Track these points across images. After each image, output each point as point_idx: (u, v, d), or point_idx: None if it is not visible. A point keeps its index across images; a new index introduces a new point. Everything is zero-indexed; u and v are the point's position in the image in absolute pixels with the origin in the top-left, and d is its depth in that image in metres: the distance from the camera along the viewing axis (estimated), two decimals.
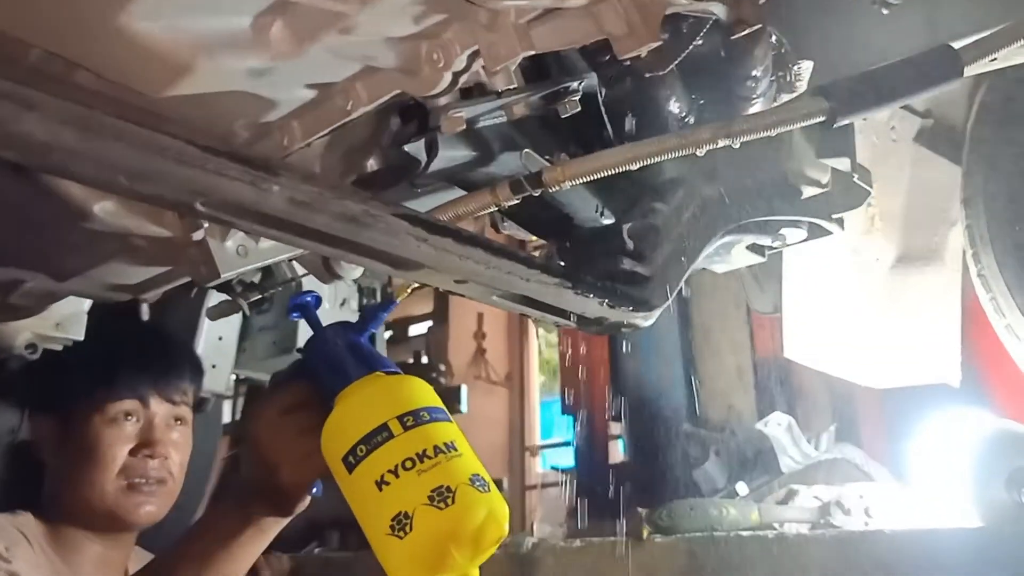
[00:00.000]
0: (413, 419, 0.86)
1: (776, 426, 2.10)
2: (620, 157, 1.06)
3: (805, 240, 1.51)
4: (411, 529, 0.79)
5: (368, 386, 0.91)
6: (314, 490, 1.00)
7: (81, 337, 1.60)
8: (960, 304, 1.91)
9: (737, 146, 1.05)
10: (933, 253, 1.92)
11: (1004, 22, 1.18)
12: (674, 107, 1.29)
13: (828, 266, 1.79)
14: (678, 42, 1.04)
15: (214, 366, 2.60)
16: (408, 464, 0.82)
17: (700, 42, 1.06)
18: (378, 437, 0.84)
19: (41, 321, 1.51)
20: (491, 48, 0.77)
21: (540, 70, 1.09)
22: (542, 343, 9.29)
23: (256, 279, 1.44)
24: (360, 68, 0.83)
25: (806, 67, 1.28)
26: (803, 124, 1.07)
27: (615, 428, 3.72)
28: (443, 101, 0.92)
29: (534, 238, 1.54)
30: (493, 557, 1.76)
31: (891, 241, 1.90)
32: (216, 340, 2.61)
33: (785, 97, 1.33)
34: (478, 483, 0.84)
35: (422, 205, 1.11)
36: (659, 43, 0.76)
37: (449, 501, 0.81)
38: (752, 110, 1.28)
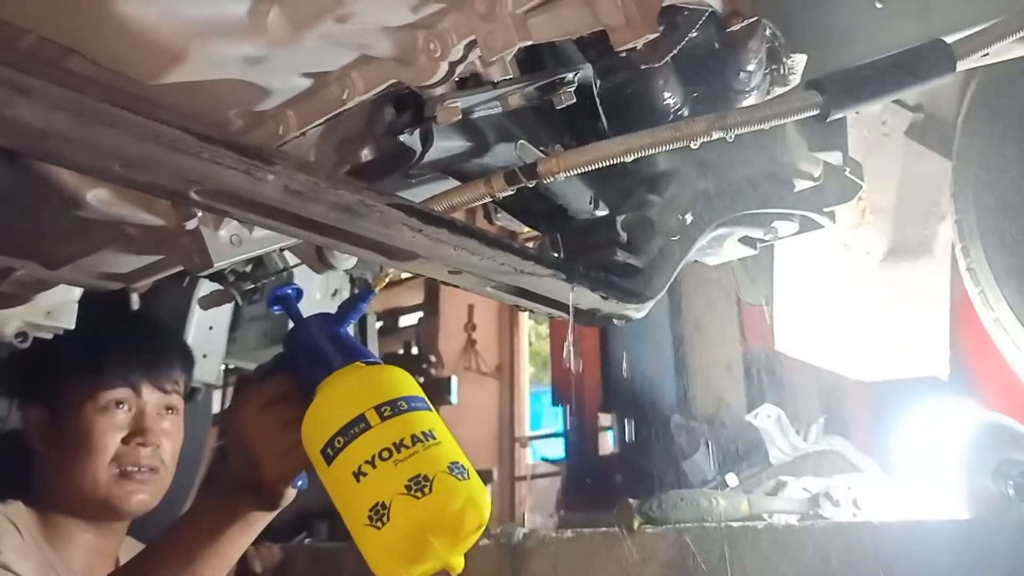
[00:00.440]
0: (391, 409, 0.86)
1: (766, 418, 2.12)
2: (615, 149, 1.06)
3: (797, 233, 1.52)
4: (388, 520, 0.79)
5: (347, 376, 0.91)
6: (299, 483, 1.00)
7: (72, 326, 1.59)
8: (949, 297, 1.92)
9: (731, 139, 1.06)
10: (923, 247, 1.93)
11: (997, 17, 1.19)
12: (668, 99, 1.29)
13: (819, 259, 1.80)
14: (673, 34, 1.04)
15: (205, 356, 2.59)
16: (385, 454, 0.82)
17: (695, 34, 1.06)
18: (355, 428, 0.84)
19: (31, 309, 1.50)
20: (488, 38, 0.77)
21: (535, 61, 1.09)
22: (532, 334, 9.31)
23: (248, 269, 1.44)
24: (356, 57, 0.83)
25: (800, 60, 1.28)
26: (797, 117, 1.07)
27: (605, 419, 3.74)
28: (439, 91, 0.91)
29: (527, 229, 1.54)
30: (484, 548, 1.77)
31: (881, 234, 1.91)
32: (207, 330, 2.61)
33: (778, 90, 1.33)
34: (457, 471, 0.83)
35: (415, 196, 1.10)
36: (656, 34, 0.76)
37: (426, 490, 0.80)
38: (746, 103, 1.29)
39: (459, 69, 0.83)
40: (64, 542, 1.48)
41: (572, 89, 1.07)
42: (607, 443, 3.83)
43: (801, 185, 1.50)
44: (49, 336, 1.61)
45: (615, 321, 1.26)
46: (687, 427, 2.65)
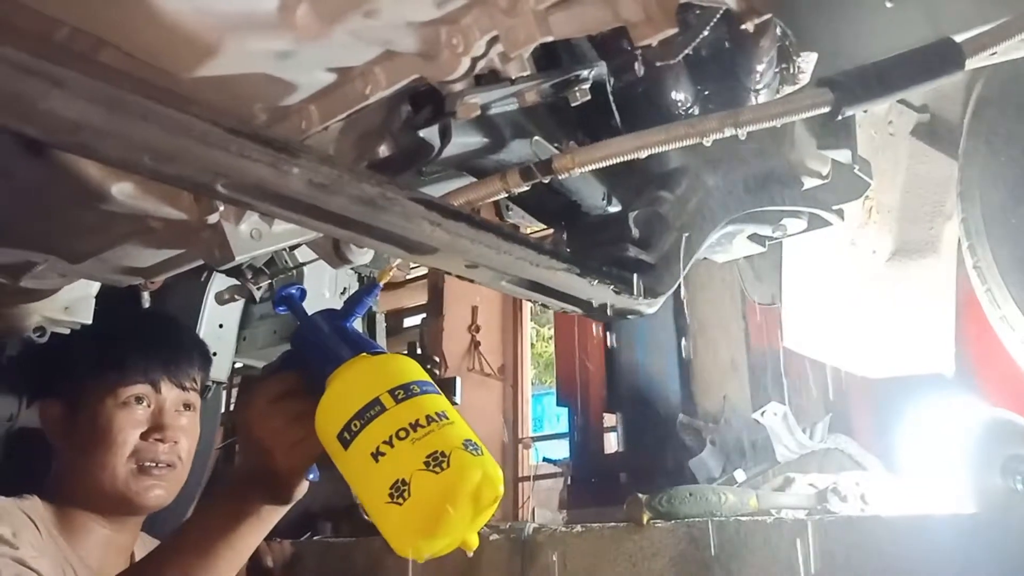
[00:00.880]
0: (404, 392, 0.88)
1: (772, 416, 2.13)
2: (629, 145, 1.08)
3: (806, 230, 1.53)
4: (409, 495, 0.81)
5: (358, 365, 0.93)
6: (310, 476, 1.02)
7: (89, 320, 1.61)
8: (955, 295, 1.94)
9: (743, 136, 1.07)
10: (929, 246, 1.95)
11: (1005, 16, 1.20)
12: (679, 97, 1.31)
13: (826, 258, 1.81)
14: (687, 32, 1.06)
15: (215, 354, 2.60)
16: (402, 434, 0.84)
17: (707, 32, 1.08)
18: (371, 411, 0.86)
19: (50, 304, 1.51)
20: (510, 33, 0.78)
21: (551, 58, 1.11)
22: (534, 336, 9.32)
23: (264, 265, 1.45)
24: (380, 52, 0.85)
25: (809, 59, 1.30)
26: (809, 114, 1.08)
27: (610, 419, 3.75)
28: (458, 87, 0.93)
29: (539, 225, 1.56)
30: (495, 543, 1.79)
31: (888, 233, 1.93)
32: (217, 328, 2.62)
33: (788, 88, 1.35)
34: (471, 447, 0.86)
35: (427, 192, 1.12)
36: (674, 30, 0.77)
37: (444, 465, 0.83)
38: (756, 101, 1.30)
39: (480, 64, 0.85)
40: (80, 537, 1.49)
41: (587, 86, 1.09)
42: (611, 442, 3.84)
43: (810, 183, 1.52)
44: (66, 331, 1.62)
45: (628, 316, 1.28)
46: (693, 426, 2.66)
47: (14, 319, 1.50)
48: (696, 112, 1.33)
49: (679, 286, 1.73)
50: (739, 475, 2.00)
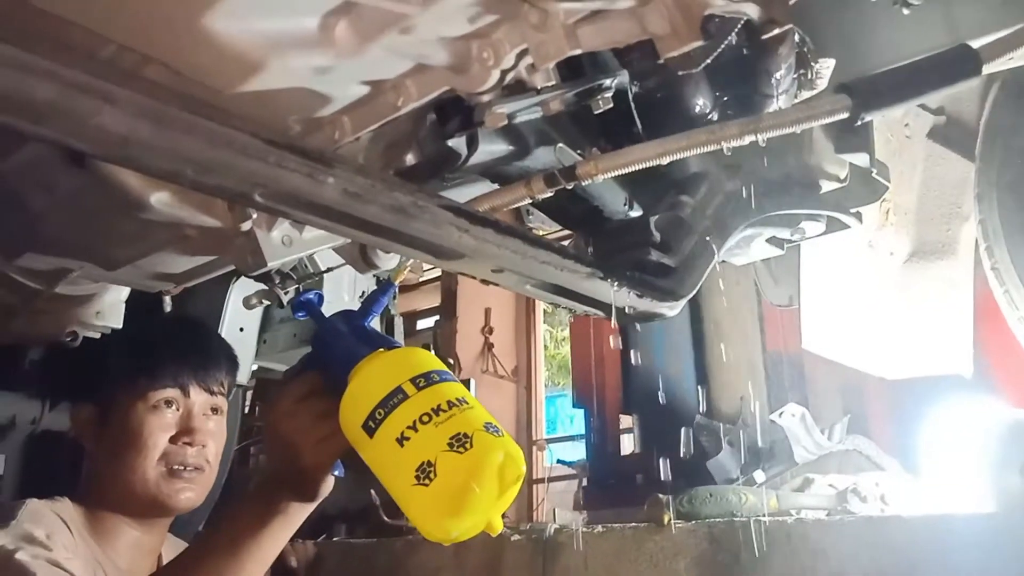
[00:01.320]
0: (425, 380, 0.91)
1: (790, 417, 2.14)
2: (651, 152, 1.11)
3: (824, 233, 1.55)
4: (436, 475, 0.84)
5: (378, 359, 0.96)
6: (336, 472, 1.05)
7: (119, 325, 1.64)
8: (972, 297, 1.95)
9: (763, 142, 1.09)
10: (946, 247, 1.96)
11: (1022, 22, 1.22)
12: (699, 104, 1.33)
13: (844, 260, 1.83)
14: (709, 42, 1.08)
15: (233, 351, 2.64)
16: (425, 418, 0.87)
17: (730, 41, 1.10)
18: (394, 399, 0.89)
19: (83, 309, 1.54)
20: (540, 47, 0.81)
21: (574, 67, 1.13)
22: (547, 338, 9.33)
23: (290, 270, 1.48)
24: (412, 66, 0.87)
25: (827, 65, 1.32)
26: (828, 120, 1.11)
27: (626, 421, 3.76)
28: (486, 98, 0.95)
29: (557, 227, 1.58)
30: (516, 543, 1.81)
31: (905, 235, 1.94)
32: (238, 332, 2.65)
33: (806, 94, 1.37)
34: (492, 429, 0.89)
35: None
36: (700, 43, 0.80)
37: (468, 446, 0.86)
38: (774, 107, 1.32)
39: (509, 76, 0.87)
40: (110, 538, 1.51)
41: (610, 95, 1.11)
42: (627, 444, 3.85)
43: (828, 186, 1.53)
44: (97, 335, 1.65)
45: (649, 319, 1.30)
46: (710, 427, 2.67)
47: (48, 324, 1.53)
48: (715, 118, 1.35)
49: None
50: (759, 476, 2.01)
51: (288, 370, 1.11)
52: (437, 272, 6.97)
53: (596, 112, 1.12)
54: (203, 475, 1.54)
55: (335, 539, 2.64)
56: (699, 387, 3.25)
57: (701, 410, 3.07)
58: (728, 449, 2.39)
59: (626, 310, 1.26)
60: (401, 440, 0.87)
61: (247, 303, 1.45)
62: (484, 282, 1.22)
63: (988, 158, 1.72)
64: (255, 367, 3.18)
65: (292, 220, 1.00)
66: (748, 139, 1.09)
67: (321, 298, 1.10)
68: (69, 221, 1.16)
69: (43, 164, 1.10)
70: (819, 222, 1.53)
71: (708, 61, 1.07)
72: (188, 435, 1.51)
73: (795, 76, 1.31)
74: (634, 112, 1.21)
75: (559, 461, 6.45)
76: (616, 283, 1.20)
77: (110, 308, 1.59)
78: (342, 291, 2.77)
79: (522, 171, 1.22)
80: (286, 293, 1.48)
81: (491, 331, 7.45)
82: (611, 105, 1.12)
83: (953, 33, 1.29)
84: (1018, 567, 1.24)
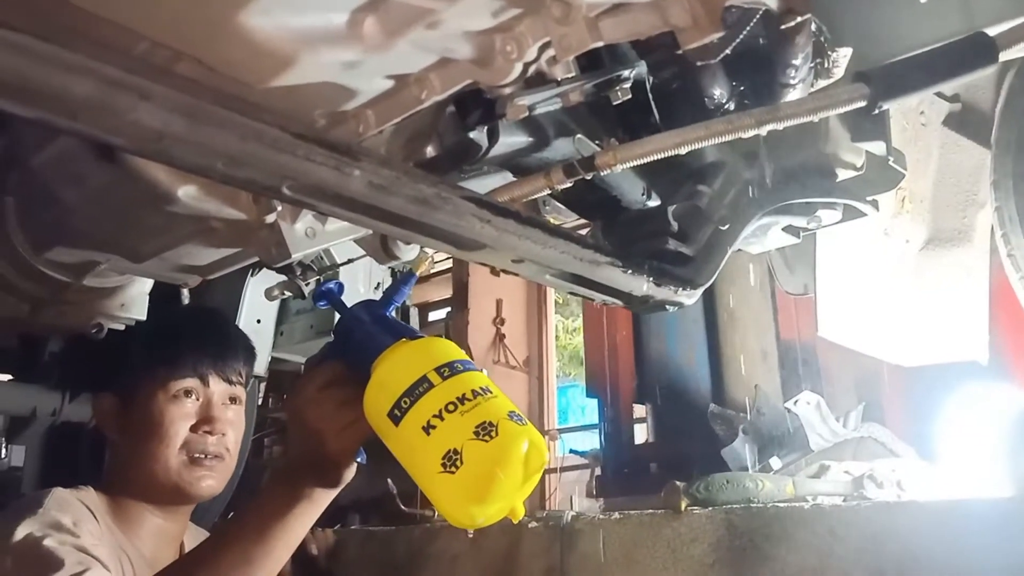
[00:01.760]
0: (449, 370, 0.93)
1: (805, 405, 2.15)
2: (670, 141, 1.12)
3: (840, 221, 1.56)
4: (462, 463, 0.86)
5: (402, 349, 0.98)
6: (358, 458, 1.07)
7: (143, 317, 1.66)
8: (988, 283, 1.95)
9: (781, 130, 1.10)
10: (962, 234, 1.96)
11: None
12: (716, 92, 1.33)
13: (860, 247, 1.83)
14: (727, 32, 1.08)
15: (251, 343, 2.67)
16: (451, 407, 0.89)
17: (748, 32, 1.11)
18: (419, 388, 0.91)
19: (108, 301, 1.57)
20: (563, 40, 0.82)
21: (593, 59, 1.14)
22: (559, 328, 9.35)
23: (312, 263, 1.50)
24: (436, 59, 0.89)
25: (844, 54, 1.32)
26: (845, 108, 1.12)
27: (640, 410, 3.77)
28: (508, 90, 0.97)
29: (574, 217, 1.59)
30: (534, 530, 1.82)
31: (921, 223, 1.94)
32: (255, 323, 2.68)
33: (822, 83, 1.37)
34: (516, 418, 0.91)
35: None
36: (720, 34, 0.81)
37: (493, 434, 0.88)
38: (791, 96, 1.33)
39: (531, 69, 0.89)
40: (133, 526, 1.54)
41: (628, 85, 1.13)
42: (641, 433, 3.86)
43: (844, 174, 1.54)
44: (122, 327, 1.68)
45: (667, 307, 1.31)
46: (724, 415, 2.69)
47: (75, 316, 1.56)
48: (732, 107, 1.35)
49: None
50: (775, 463, 2.02)
51: (310, 358, 1.13)
52: (449, 263, 7.00)
53: (615, 103, 1.13)
54: (223, 463, 1.57)
55: (354, 527, 2.67)
56: (712, 375, 3.26)
57: (715, 398, 3.08)
58: (743, 437, 2.40)
59: (644, 299, 1.28)
60: (427, 428, 0.89)
61: (269, 295, 1.47)
62: (494, 272, 1.23)
63: (1004, 145, 1.72)
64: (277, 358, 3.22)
65: (318, 212, 1.02)
66: (766, 128, 1.10)
67: (342, 287, 1.12)
68: (98, 214, 1.18)
69: (73, 159, 1.12)
70: (835, 210, 1.53)
71: (727, 52, 1.09)
72: (208, 424, 1.53)
73: (812, 65, 1.31)
74: (651, 102, 1.22)
75: (572, 451, 6.47)
76: (634, 272, 1.22)
77: (134, 300, 1.61)
78: (357, 283, 2.79)
79: (541, 162, 1.23)
80: (307, 285, 1.50)
81: (503, 322, 7.47)
82: (630, 96, 1.13)
83: (969, 21, 1.29)
84: None
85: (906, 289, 1.93)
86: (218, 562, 1.10)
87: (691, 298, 1.32)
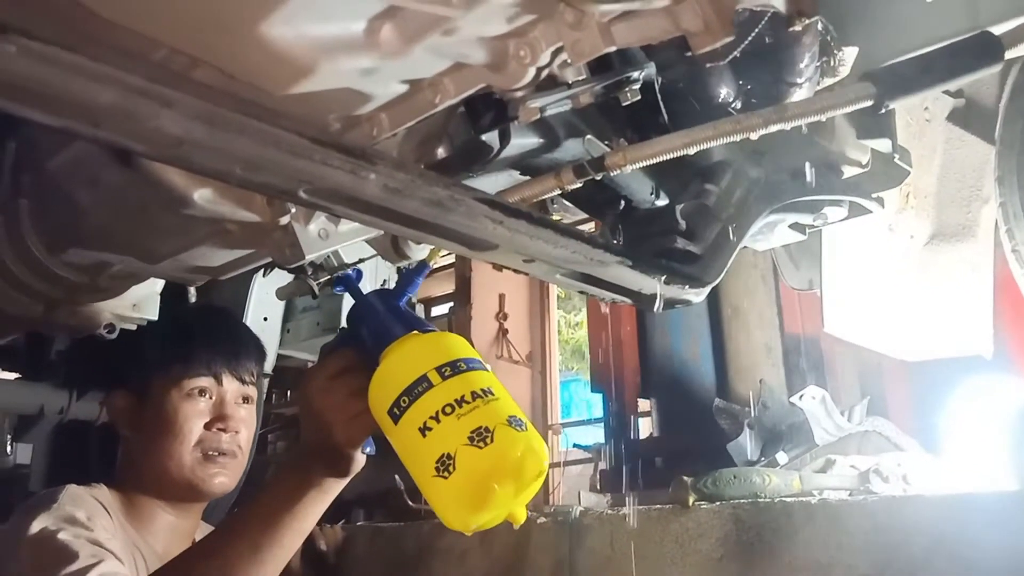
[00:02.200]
0: (451, 369, 0.92)
1: (811, 399, 2.16)
2: (679, 142, 1.13)
3: (846, 218, 1.57)
4: (455, 469, 0.85)
5: (408, 343, 0.98)
6: (367, 449, 1.08)
7: (155, 317, 1.68)
8: (993, 278, 1.96)
9: (788, 129, 1.12)
10: (966, 229, 1.97)
11: None
12: (723, 92, 1.35)
13: (865, 243, 1.84)
14: (737, 34, 1.10)
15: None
16: (448, 410, 0.88)
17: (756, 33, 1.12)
18: (419, 388, 0.90)
19: (120, 302, 1.59)
20: (576, 45, 0.83)
21: (602, 61, 1.15)
22: (561, 323, 9.36)
23: (323, 262, 1.51)
24: (451, 64, 0.90)
25: (850, 53, 1.33)
26: (852, 108, 1.12)
27: (644, 405, 3.78)
28: (520, 93, 0.98)
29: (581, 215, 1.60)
30: (542, 525, 1.84)
31: (925, 218, 1.95)
32: (261, 321, 2.70)
33: (828, 81, 1.38)
34: (515, 423, 0.90)
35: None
36: (732, 38, 0.82)
37: (488, 440, 0.86)
38: (797, 94, 1.34)
39: (544, 73, 0.90)
40: (146, 523, 1.56)
41: (638, 87, 1.14)
42: (646, 428, 3.88)
43: (850, 172, 1.55)
44: (133, 327, 1.69)
45: (676, 305, 1.33)
46: (729, 410, 2.70)
47: (86, 316, 1.58)
48: (738, 106, 1.37)
49: None
50: (781, 457, 2.04)
51: (325, 344, 1.15)
52: (451, 259, 7.00)
53: (624, 104, 1.14)
54: (236, 461, 1.59)
55: (361, 523, 2.69)
56: (717, 370, 3.27)
57: (719, 393, 3.09)
58: (748, 431, 2.42)
59: (653, 297, 1.29)
60: (423, 430, 0.88)
61: (280, 294, 1.48)
62: (497, 267, 1.24)
63: (1008, 141, 1.73)
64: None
65: (333, 215, 1.03)
66: (774, 128, 1.11)
67: (360, 274, 1.13)
68: (113, 217, 1.19)
69: (89, 162, 1.13)
70: (841, 207, 1.55)
71: (735, 54, 1.10)
72: (222, 421, 1.56)
73: (818, 64, 1.33)
74: (660, 103, 1.23)
75: (575, 445, 6.48)
76: (644, 271, 1.23)
77: (146, 300, 1.63)
78: (364, 280, 2.81)
79: (550, 162, 1.25)
80: (318, 284, 1.51)
81: (505, 317, 7.47)
82: (639, 97, 1.14)
83: (974, 19, 1.30)
84: None
85: (911, 284, 1.94)
86: (228, 551, 1.10)
87: (699, 296, 1.33)
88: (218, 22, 0.76)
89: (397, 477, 2.65)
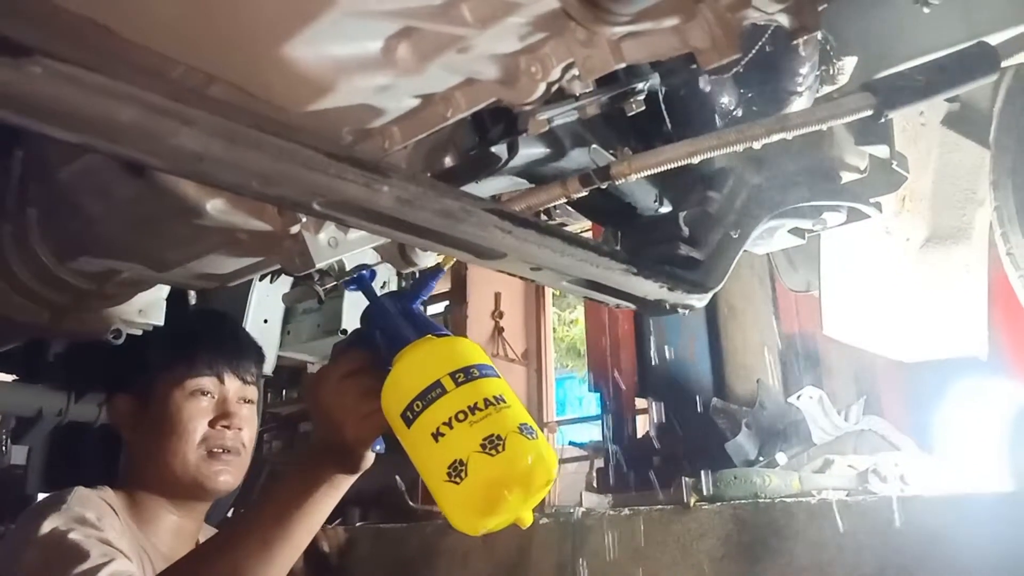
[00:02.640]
0: (464, 375, 0.93)
1: (808, 399, 2.19)
2: (683, 151, 1.15)
3: (845, 223, 1.59)
4: (466, 475, 0.87)
5: (422, 347, 0.99)
6: (377, 447, 1.09)
7: (161, 322, 1.69)
8: (987, 280, 1.99)
9: (790, 138, 1.14)
10: (961, 232, 1.99)
11: None
12: (724, 100, 1.37)
13: (863, 247, 1.87)
14: (742, 48, 1.11)
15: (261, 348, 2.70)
16: (461, 416, 0.89)
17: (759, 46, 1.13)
18: (432, 393, 0.92)
19: (126, 308, 1.60)
20: (587, 62, 0.85)
21: (608, 73, 1.17)
22: (555, 320, 9.38)
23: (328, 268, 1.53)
24: (463, 79, 0.91)
25: (849, 62, 1.36)
26: (853, 117, 1.14)
27: (642, 404, 3.80)
28: (529, 106, 0.99)
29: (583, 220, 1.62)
30: (545, 526, 1.86)
31: (921, 221, 1.98)
32: (262, 323, 2.71)
33: (827, 89, 1.40)
34: (526, 431, 0.91)
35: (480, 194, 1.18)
36: (739, 55, 0.84)
37: (500, 448, 0.88)
38: (797, 102, 1.36)
39: (554, 88, 0.91)
40: (152, 524, 1.57)
41: (642, 97, 1.15)
42: (644, 427, 3.90)
43: (848, 177, 1.57)
44: (139, 332, 1.71)
45: (679, 310, 1.35)
46: (727, 410, 2.72)
47: (95, 322, 1.59)
48: (739, 113, 1.39)
49: None
50: (781, 458, 2.07)
51: (336, 344, 1.16)
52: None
53: (629, 114, 1.16)
54: (240, 459, 1.61)
55: (361, 524, 2.70)
56: (714, 370, 3.29)
57: (717, 393, 3.11)
58: (746, 431, 2.44)
59: (657, 302, 1.31)
60: (436, 435, 0.89)
61: (287, 299, 1.50)
62: (523, 279, 1.26)
63: (1003, 145, 1.75)
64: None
65: (346, 225, 1.05)
66: (776, 137, 1.13)
67: (374, 274, 1.15)
68: (124, 226, 1.20)
69: (100, 173, 1.15)
70: (840, 212, 1.57)
71: (739, 67, 1.12)
72: (226, 419, 1.58)
73: (818, 73, 1.35)
74: (664, 113, 1.25)
75: (571, 443, 6.51)
76: (648, 277, 1.25)
77: (152, 305, 1.65)
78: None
79: (556, 171, 1.26)
80: (324, 290, 1.53)
81: (501, 315, 7.48)
82: (644, 108, 1.16)
83: (971, 29, 1.32)
84: None
85: (907, 286, 1.97)
86: (240, 547, 1.12)
87: (702, 301, 1.35)
88: (241, 44, 0.77)
89: (398, 478, 2.66)
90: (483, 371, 0.96)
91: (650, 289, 1.27)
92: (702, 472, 1.73)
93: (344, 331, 2.78)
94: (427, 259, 1.37)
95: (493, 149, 1.09)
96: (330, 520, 2.50)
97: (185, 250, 1.23)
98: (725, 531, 1.61)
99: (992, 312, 2.01)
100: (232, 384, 1.62)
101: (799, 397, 2.18)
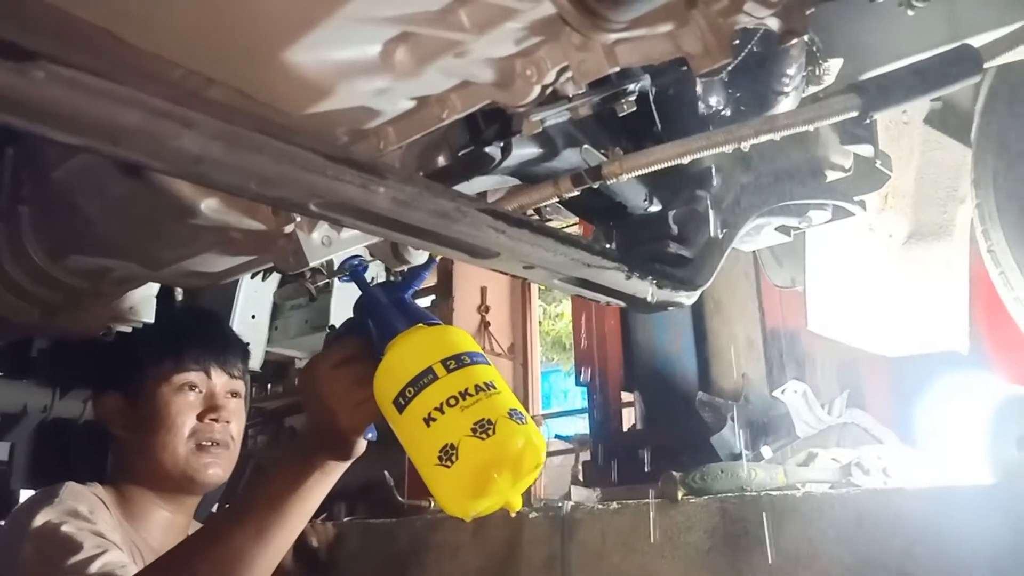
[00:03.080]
0: (455, 362, 0.96)
1: (792, 393, 2.22)
2: (673, 152, 1.17)
3: (830, 221, 1.62)
4: (457, 458, 0.89)
5: (414, 335, 1.01)
6: (369, 435, 1.11)
7: (151, 319, 1.70)
8: (968, 276, 2.02)
9: (778, 139, 1.16)
10: (943, 229, 2.03)
11: (1020, 18, 1.29)
12: (713, 100, 1.39)
13: (847, 243, 1.90)
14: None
15: (248, 344, 2.70)
16: (452, 401, 0.92)
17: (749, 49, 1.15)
18: (424, 379, 0.94)
19: (118, 305, 1.60)
20: (581, 65, 0.86)
21: None
22: (541, 314, 9.41)
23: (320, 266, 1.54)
24: (458, 82, 0.93)
25: (835, 63, 1.38)
26: (839, 118, 1.17)
27: (628, 398, 3.83)
28: (523, 108, 1.01)
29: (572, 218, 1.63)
30: (534, 520, 1.88)
31: (903, 218, 2.01)
32: (249, 319, 2.71)
33: (813, 89, 1.43)
34: (516, 416, 0.93)
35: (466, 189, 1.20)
36: (730, 60, 0.85)
37: (490, 432, 0.90)
38: (784, 102, 1.38)
39: (548, 90, 0.93)
40: (142, 520, 1.59)
41: (633, 98, 1.17)
42: (630, 420, 3.92)
43: (833, 176, 1.60)
44: (129, 329, 1.71)
45: (668, 308, 1.37)
46: (713, 403, 2.74)
47: (86, 320, 1.59)
48: (727, 113, 1.41)
49: None
50: (766, 452, 2.09)
51: (329, 333, 1.17)
52: None
53: (620, 115, 1.18)
54: (228, 452, 1.63)
55: (349, 519, 2.70)
56: (700, 364, 3.32)
57: (702, 387, 3.13)
58: (731, 424, 2.47)
59: (646, 300, 1.33)
60: (428, 420, 0.92)
61: (279, 297, 1.51)
62: (515, 277, 1.27)
63: (984, 144, 1.78)
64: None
65: (342, 225, 1.06)
66: (764, 138, 1.15)
67: (366, 266, 1.17)
68: (119, 226, 1.21)
69: (95, 172, 1.15)
70: (825, 210, 1.60)
71: (728, 69, 1.14)
72: (214, 412, 1.60)
73: (804, 73, 1.37)
74: (655, 113, 1.27)
75: (557, 436, 6.53)
76: (638, 275, 1.27)
77: (142, 303, 1.65)
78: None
79: (548, 171, 1.28)
80: (316, 287, 1.54)
81: (487, 309, 7.49)
82: (635, 108, 1.18)
83: (954, 30, 1.35)
84: (1014, 534, 1.32)
85: (889, 282, 2.00)
86: (234, 533, 1.13)
87: (691, 298, 1.38)
88: (245, 49, 0.78)
89: (387, 473, 2.67)
90: (474, 358, 0.98)
91: (640, 287, 1.29)
92: (688, 465, 1.76)
93: (332, 327, 2.79)
94: (420, 256, 1.38)
95: (488, 150, 1.10)
96: (317, 515, 2.51)
97: (179, 249, 1.23)
98: (712, 523, 1.63)
99: (973, 308, 2.04)
100: (219, 378, 1.63)
101: (783, 391, 2.21)
